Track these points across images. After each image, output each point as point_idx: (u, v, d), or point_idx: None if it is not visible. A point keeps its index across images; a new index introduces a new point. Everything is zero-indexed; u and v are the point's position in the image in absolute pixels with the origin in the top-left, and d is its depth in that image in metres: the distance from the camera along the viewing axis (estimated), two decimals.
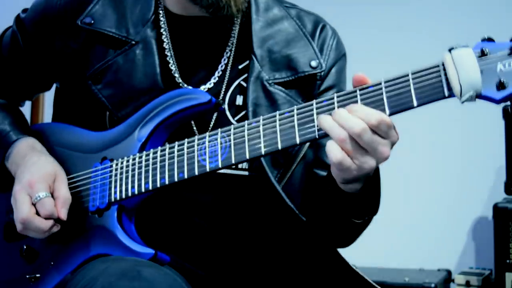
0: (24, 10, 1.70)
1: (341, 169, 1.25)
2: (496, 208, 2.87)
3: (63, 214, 1.43)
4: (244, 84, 1.56)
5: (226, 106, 1.55)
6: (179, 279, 1.33)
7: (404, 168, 3.42)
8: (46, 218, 1.42)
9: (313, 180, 1.59)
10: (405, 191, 3.42)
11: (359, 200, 1.38)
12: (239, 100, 1.55)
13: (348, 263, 1.50)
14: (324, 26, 1.65)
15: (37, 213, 1.43)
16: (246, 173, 1.53)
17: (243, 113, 1.54)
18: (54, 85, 1.73)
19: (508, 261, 2.80)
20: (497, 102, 1.13)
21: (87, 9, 1.57)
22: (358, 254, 3.14)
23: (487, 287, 2.96)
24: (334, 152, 1.23)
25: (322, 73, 1.60)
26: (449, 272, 3.12)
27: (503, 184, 2.94)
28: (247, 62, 1.57)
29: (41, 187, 1.43)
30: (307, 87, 1.58)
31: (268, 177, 1.49)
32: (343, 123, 1.22)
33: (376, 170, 1.36)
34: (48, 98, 1.88)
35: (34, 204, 1.43)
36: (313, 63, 1.58)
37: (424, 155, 3.39)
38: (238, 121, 1.53)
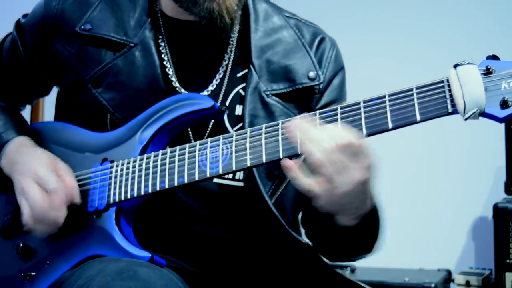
0: (25, 15, 1.70)
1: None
2: (496, 208, 2.86)
3: (77, 198, 1.42)
4: (243, 93, 1.55)
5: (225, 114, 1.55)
6: (175, 279, 1.33)
7: (404, 168, 3.43)
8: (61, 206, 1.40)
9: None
10: (405, 191, 3.42)
11: (353, 235, 1.38)
12: (239, 110, 1.55)
13: (338, 272, 1.52)
14: (323, 38, 1.64)
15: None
16: (241, 184, 1.53)
17: (242, 123, 1.53)
18: (56, 87, 1.73)
19: (508, 261, 2.80)
20: (501, 121, 1.13)
21: (85, 15, 1.57)
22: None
23: (487, 287, 2.96)
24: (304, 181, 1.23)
25: (321, 86, 1.59)
26: (449, 272, 3.12)
27: (503, 184, 2.95)
28: (245, 70, 1.57)
29: (50, 176, 1.41)
30: (305, 99, 1.57)
31: (260, 190, 1.49)
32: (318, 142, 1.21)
33: (375, 212, 1.36)
34: (48, 98, 1.88)
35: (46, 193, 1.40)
36: (311, 74, 1.57)
37: (424, 155, 3.39)
38: (237, 131, 1.53)
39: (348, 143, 1.20)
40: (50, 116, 1.74)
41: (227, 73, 1.56)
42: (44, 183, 1.41)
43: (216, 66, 1.57)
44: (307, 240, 1.55)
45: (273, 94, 1.54)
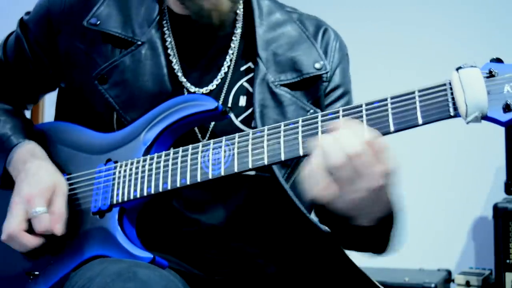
0: (27, 13, 1.71)
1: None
2: (496, 208, 2.87)
3: (58, 230, 1.43)
4: (247, 85, 1.57)
5: (230, 102, 1.56)
6: (175, 280, 1.33)
7: (404, 168, 3.42)
8: (39, 234, 1.43)
9: None
10: (404, 191, 3.41)
11: (367, 234, 1.37)
12: (242, 101, 1.56)
13: (354, 263, 1.51)
14: (326, 29, 1.67)
15: (28, 230, 1.43)
16: (252, 172, 1.52)
17: (246, 113, 1.55)
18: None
19: (508, 261, 2.80)
20: (503, 124, 1.12)
21: (92, 10, 1.57)
22: (359, 254, 3.15)
23: (487, 287, 2.97)
24: (316, 186, 1.22)
25: (328, 75, 1.61)
26: (449, 272, 3.13)
27: (503, 184, 2.95)
28: (249, 64, 1.59)
29: (39, 202, 1.43)
30: (313, 88, 1.59)
31: (275, 177, 1.49)
32: (339, 145, 1.19)
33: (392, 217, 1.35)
34: (48, 98, 1.88)
35: (29, 219, 1.43)
36: (317, 65, 1.59)
37: (424, 155, 3.39)
38: (241, 122, 1.55)
39: (372, 141, 1.18)
40: (50, 117, 1.74)
41: (231, 67, 1.58)
42: (30, 210, 1.43)
43: (221, 61, 1.58)
44: (326, 227, 1.53)
45: (281, 85, 1.55)
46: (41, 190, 1.44)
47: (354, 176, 1.18)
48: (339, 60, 1.64)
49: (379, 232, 1.37)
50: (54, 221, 1.43)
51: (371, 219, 1.32)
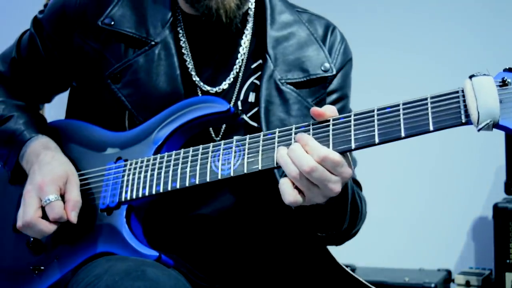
0: (41, 11, 1.71)
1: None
2: (496, 208, 2.88)
3: (73, 217, 1.44)
4: (257, 82, 1.59)
5: (239, 103, 1.58)
6: (182, 280, 1.35)
7: (404, 168, 3.43)
8: (53, 221, 1.43)
9: None
10: (405, 191, 3.43)
11: (317, 214, 1.40)
12: (252, 97, 1.58)
13: (340, 264, 1.53)
14: (334, 30, 1.69)
15: (43, 216, 1.43)
16: None
17: (255, 109, 1.57)
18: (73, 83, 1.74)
19: (508, 261, 2.81)
20: None
21: (106, 11, 1.58)
22: (359, 254, 3.16)
23: (487, 287, 2.98)
24: (286, 195, 1.26)
25: (332, 76, 1.63)
26: (449, 272, 3.14)
27: (503, 184, 2.96)
28: (259, 61, 1.61)
29: (51, 189, 1.44)
30: (318, 89, 1.61)
31: (274, 175, 1.50)
32: (295, 160, 1.24)
33: (344, 190, 1.37)
34: None
35: (43, 207, 1.43)
36: (326, 66, 1.61)
37: (424, 155, 3.39)
38: (250, 117, 1.57)
39: (326, 157, 1.23)
40: (50, 118, 1.75)
41: (243, 64, 1.60)
42: (43, 198, 1.43)
43: (233, 59, 1.60)
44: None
45: (287, 83, 1.57)
46: (53, 178, 1.45)
47: (311, 186, 1.24)
48: (341, 64, 1.66)
49: (330, 208, 1.39)
50: (69, 208, 1.44)
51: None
